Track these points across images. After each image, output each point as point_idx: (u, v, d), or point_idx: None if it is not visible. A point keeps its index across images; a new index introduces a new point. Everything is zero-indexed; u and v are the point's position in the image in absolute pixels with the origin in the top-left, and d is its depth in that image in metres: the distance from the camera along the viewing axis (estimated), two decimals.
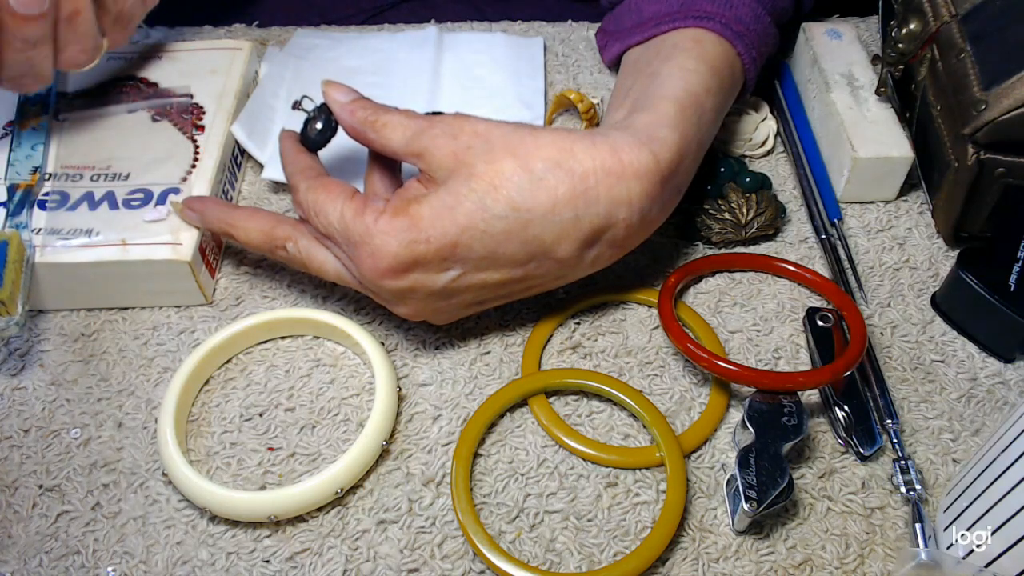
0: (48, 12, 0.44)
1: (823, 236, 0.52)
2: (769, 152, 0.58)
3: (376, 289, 0.42)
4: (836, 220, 0.53)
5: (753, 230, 0.51)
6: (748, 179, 0.52)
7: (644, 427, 0.44)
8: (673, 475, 0.41)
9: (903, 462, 0.42)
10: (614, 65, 0.57)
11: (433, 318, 0.45)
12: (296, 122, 0.47)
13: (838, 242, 0.52)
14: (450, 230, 0.40)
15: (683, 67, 0.46)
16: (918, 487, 0.41)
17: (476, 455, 0.43)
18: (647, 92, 0.46)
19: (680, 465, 0.41)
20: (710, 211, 0.51)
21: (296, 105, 0.47)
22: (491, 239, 0.40)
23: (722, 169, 0.52)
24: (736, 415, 0.45)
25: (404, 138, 0.42)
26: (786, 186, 0.56)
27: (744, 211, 0.51)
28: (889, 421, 0.43)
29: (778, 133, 0.58)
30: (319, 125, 0.46)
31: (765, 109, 0.58)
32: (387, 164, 0.45)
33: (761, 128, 0.57)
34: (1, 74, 0.46)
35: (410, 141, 0.42)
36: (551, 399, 0.45)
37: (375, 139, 0.43)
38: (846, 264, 0.51)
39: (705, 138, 0.47)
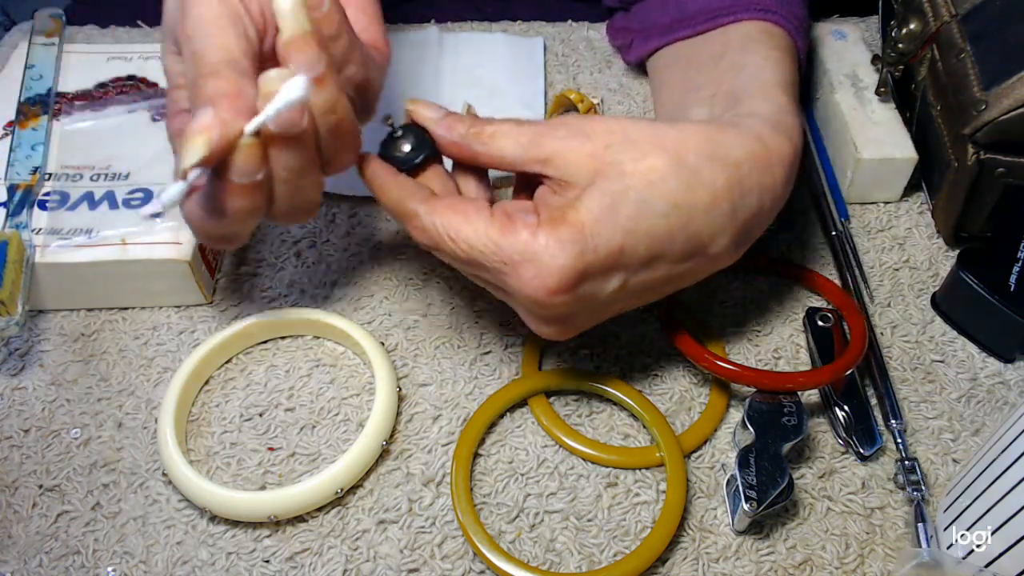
0: (309, 130, 0.37)
1: (834, 232, 0.52)
2: None
3: (538, 309, 0.38)
4: (843, 219, 0.53)
5: None
6: None
7: (644, 427, 0.44)
8: (673, 475, 0.41)
9: (908, 462, 0.42)
10: (641, 63, 0.57)
11: (571, 332, 0.41)
12: None
13: (847, 240, 0.52)
14: (616, 235, 0.36)
15: (769, 57, 0.45)
16: (924, 488, 0.41)
17: (476, 455, 0.43)
18: (742, 82, 0.44)
19: (680, 465, 0.41)
20: None
21: (386, 119, 0.42)
22: (654, 239, 0.37)
23: None
24: (736, 415, 0.45)
25: (520, 145, 0.38)
26: (796, 188, 0.56)
27: None
28: (893, 421, 0.43)
29: None
30: (407, 146, 0.41)
31: None
32: (477, 170, 0.42)
33: None
34: (273, 211, 0.39)
35: (529, 147, 0.38)
36: (551, 399, 0.45)
37: (483, 151, 0.39)
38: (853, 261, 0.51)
39: None
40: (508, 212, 0.38)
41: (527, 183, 0.41)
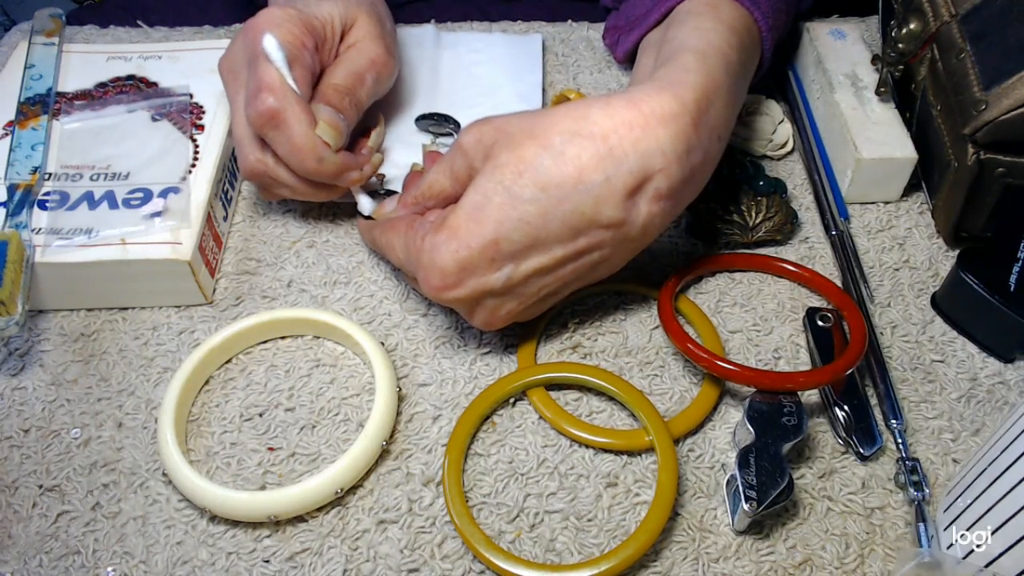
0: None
1: (834, 232, 0.52)
2: (790, 152, 0.58)
3: (447, 305, 0.43)
4: (844, 219, 0.53)
5: (759, 234, 0.51)
6: (762, 183, 0.52)
7: (635, 418, 0.44)
8: (663, 456, 0.41)
9: (908, 462, 0.42)
10: (628, 59, 0.57)
11: (499, 323, 0.44)
12: None
13: (847, 240, 0.52)
14: (487, 228, 0.40)
15: (699, 27, 0.46)
16: (924, 488, 0.41)
17: (476, 455, 0.43)
18: (664, 54, 0.45)
19: (669, 446, 0.41)
20: (718, 211, 0.51)
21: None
22: (529, 225, 0.40)
23: (737, 171, 0.52)
24: (734, 414, 0.45)
25: (448, 174, 0.43)
26: (797, 189, 0.56)
27: (752, 215, 0.51)
28: (893, 421, 0.43)
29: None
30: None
31: (781, 111, 0.57)
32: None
33: (781, 129, 0.57)
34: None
35: (456, 176, 0.42)
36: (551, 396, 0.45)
37: (433, 201, 0.44)
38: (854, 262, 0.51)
39: (736, 89, 0.45)
40: (420, 222, 0.43)
41: None
